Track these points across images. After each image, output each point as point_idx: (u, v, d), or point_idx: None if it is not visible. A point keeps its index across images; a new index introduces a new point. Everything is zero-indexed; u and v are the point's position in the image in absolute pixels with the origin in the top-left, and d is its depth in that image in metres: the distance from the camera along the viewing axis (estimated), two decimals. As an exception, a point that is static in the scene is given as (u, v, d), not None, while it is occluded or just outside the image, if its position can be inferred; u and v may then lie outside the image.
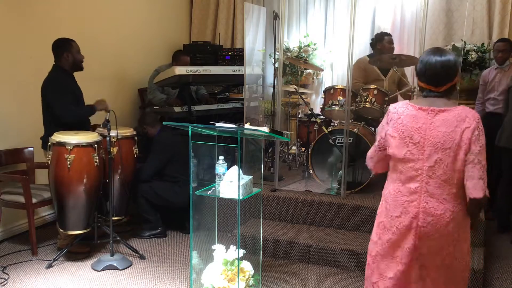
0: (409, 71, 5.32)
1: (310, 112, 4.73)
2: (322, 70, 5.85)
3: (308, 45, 5.97)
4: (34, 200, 3.69)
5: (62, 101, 3.65)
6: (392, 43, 4.85)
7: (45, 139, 3.67)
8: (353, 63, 4.89)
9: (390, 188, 2.17)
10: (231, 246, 3.11)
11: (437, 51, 2.11)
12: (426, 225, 2.05)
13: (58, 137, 3.46)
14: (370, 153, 2.25)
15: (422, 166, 2.05)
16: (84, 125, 3.86)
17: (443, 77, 2.08)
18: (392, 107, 2.16)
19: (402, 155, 2.08)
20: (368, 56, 4.98)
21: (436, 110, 2.05)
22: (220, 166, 3.02)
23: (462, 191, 2.04)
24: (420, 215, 2.06)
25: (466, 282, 2.19)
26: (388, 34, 4.90)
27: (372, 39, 4.99)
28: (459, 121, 2.01)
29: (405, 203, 2.10)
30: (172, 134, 4.26)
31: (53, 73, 3.74)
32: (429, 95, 2.11)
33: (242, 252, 3.09)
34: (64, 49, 3.72)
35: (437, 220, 2.04)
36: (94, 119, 4.00)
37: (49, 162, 3.51)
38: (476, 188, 1.97)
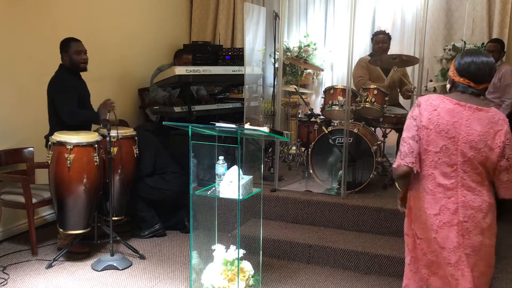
0: (409, 71, 5.32)
1: (310, 112, 4.73)
2: (322, 70, 5.85)
3: (308, 45, 5.97)
4: (34, 200, 3.69)
5: (66, 101, 3.66)
6: (385, 42, 4.86)
7: (49, 138, 3.67)
8: (355, 62, 4.92)
9: (424, 185, 2.16)
10: (231, 246, 3.11)
11: (481, 52, 2.18)
12: (467, 219, 2.08)
13: (58, 136, 3.46)
14: (406, 148, 2.13)
15: (457, 160, 2.07)
16: (87, 125, 3.86)
17: (486, 75, 2.11)
18: (424, 99, 2.14)
19: (438, 149, 2.09)
20: (369, 55, 4.99)
21: (474, 108, 2.07)
22: (220, 166, 3.02)
23: (493, 186, 2.12)
24: (460, 209, 2.08)
25: (490, 277, 2.23)
26: (383, 33, 4.91)
27: (371, 39, 5.03)
28: (493, 122, 2.04)
29: (442, 199, 2.11)
30: (146, 132, 4.38)
31: (57, 72, 3.74)
32: (467, 91, 2.12)
33: (242, 252, 3.09)
34: (63, 49, 3.74)
35: (476, 213, 2.07)
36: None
37: (49, 161, 3.51)
38: (508, 189, 2.10)
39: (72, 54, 3.72)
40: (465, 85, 2.13)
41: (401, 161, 2.15)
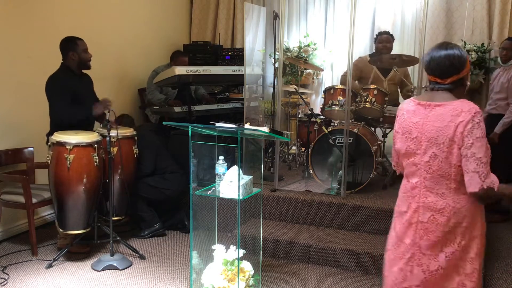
0: (409, 71, 5.32)
1: (310, 112, 4.73)
2: (322, 70, 5.85)
3: (308, 45, 5.97)
4: (34, 200, 3.69)
5: (57, 101, 3.64)
6: (388, 42, 4.83)
7: (49, 138, 3.66)
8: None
9: (401, 184, 2.22)
10: (231, 246, 3.11)
11: (443, 44, 2.10)
12: (426, 220, 2.05)
13: (58, 136, 3.46)
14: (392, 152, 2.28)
15: (420, 161, 2.06)
16: (85, 126, 3.85)
17: (447, 67, 2.04)
18: (400, 105, 2.19)
19: (404, 150, 2.11)
20: (369, 55, 4.99)
21: (433, 105, 2.04)
22: (220, 166, 3.02)
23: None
24: (420, 209, 2.07)
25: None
26: (387, 33, 4.89)
27: (374, 38, 5.01)
28: (454, 115, 1.97)
29: (409, 198, 2.13)
30: (148, 131, 4.39)
31: (56, 72, 3.73)
32: (435, 87, 2.10)
33: (242, 252, 3.10)
34: (70, 48, 3.71)
35: (437, 215, 2.04)
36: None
37: (49, 161, 3.51)
38: (471, 182, 1.94)
39: (81, 52, 3.73)
40: (432, 82, 2.12)
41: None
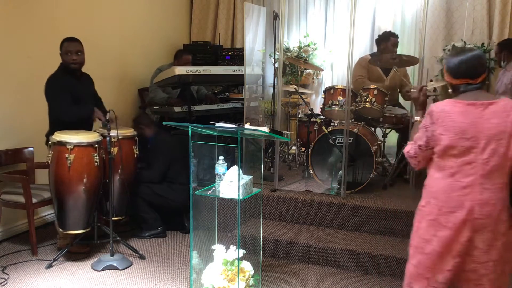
0: (409, 71, 5.32)
1: (310, 112, 4.73)
2: (322, 70, 5.85)
3: (308, 45, 5.97)
4: (34, 200, 3.69)
5: (56, 101, 3.65)
6: (396, 46, 4.83)
7: (49, 138, 3.66)
8: (355, 62, 4.91)
9: (439, 185, 2.20)
10: (231, 246, 3.11)
11: (463, 49, 2.26)
12: (483, 216, 2.10)
13: (58, 136, 3.46)
14: (412, 152, 2.27)
15: (477, 158, 2.11)
16: (87, 125, 3.86)
17: (479, 67, 2.20)
18: (435, 106, 2.19)
19: (456, 151, 2.13)
20: (370, 55, 4.98)
21: (486, 104, 2.13)
22: (220, 166, 3.02)
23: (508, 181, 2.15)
24: (476, 207, 2.10)
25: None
26: (396, 36, 4.87)
27: (379, 36, 4.97)
28: (507, 111, 2.11)
29: (459, 197, 2.13)
30: (170, 136, 4.28)
31: (54, 72, 3.74)
32: (468, 88, 2.19)
33: (242, 252, 3.09)
34: (60, 49, 3.74)
35: (492, 210, 2.10)
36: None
37: (49, 161, 3.51)
38: None
39: (62, 54, 3.72)
40: (464, 85, 2.21)
41: (410, 160, 2.32)
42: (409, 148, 2.30)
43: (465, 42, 5.14)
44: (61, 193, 3.48)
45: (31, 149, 4.07)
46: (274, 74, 4.91)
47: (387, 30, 5.07)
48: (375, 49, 5.07)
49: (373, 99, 4.32)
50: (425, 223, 2.23)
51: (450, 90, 2.29)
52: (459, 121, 2.12)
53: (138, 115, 4.12)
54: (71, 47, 3.71)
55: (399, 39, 4.93)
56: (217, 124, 3.20)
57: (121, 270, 3.53)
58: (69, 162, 3.41)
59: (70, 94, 3.70)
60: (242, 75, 4.58)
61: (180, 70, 4.54)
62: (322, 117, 4.79)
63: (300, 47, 5.97)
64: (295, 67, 5.82)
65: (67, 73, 3.75)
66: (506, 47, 4.55)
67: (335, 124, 4.84)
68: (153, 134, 4.30)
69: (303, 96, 5.06)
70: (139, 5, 5.57)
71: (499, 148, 2.09)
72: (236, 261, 3.04)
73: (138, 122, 4.41)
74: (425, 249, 2.22)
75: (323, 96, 4.59)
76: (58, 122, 3.66)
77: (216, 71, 5.00)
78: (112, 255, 3.59)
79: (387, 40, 4.83)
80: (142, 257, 3.76)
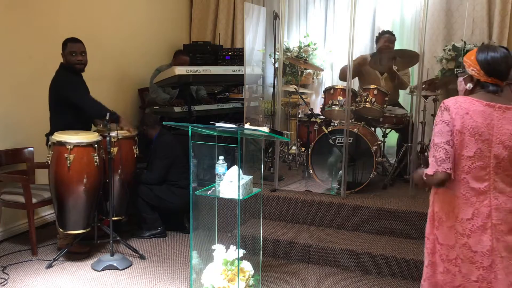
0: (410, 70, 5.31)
1: (310, 112, 4.73)
2: (322, 70, 5.85)
3: (308, 45, 5.97)
4: (34, 200, 3.69)
5: (86, 97, 3.69)
6: (391, 42, 4.81)
7: (49, 138, 3.66)
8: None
9: (454, 190, 2.08)
10: (231, 246, 3.11)
11: (490, 46, 2.10)
12: (501, 222, 2.03)
13: (58, 136, 3.47)
14: (443, 154, 2.03)
15: (489, 163, 2.02)
16: (86, 125, 3.86)
17: (506, 70, 2.07)
18: (452, 103, 2.05)
19: (472, 153, 2.03)
20: (370, 55, 4.98)
21: (504, 107, 2.02)
22: (220, 166, 3.02)
23: None
24: (493, 212, 2.03)
25: None
26: (389, 32, 4.87)
27: (376, 36, 4.99)
28: None
29: (475, 203, 2.05)
30: (172, 137, 4.28)
31: (59, 72, 3.73)
32: (491, 90, 2.06)
33: (242, 252, 3.09)
34: (62, 49, 3.74)
35: (509, 214, 2.03)
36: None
37: (49, 161, 3.51)
38: None
39: (67, 54, 3.71)
40: (493, 85, 2.07)
41: (438, 168, 2.03)
42: (433, 160, 2.05)
43: (465, 42, 5.14)
44: (61, 193, 3.48)
45: (31, 149, 4.07)
46: (274, 74, 4.91)
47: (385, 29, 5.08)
48: (375, 49, 5.07)
49: (373, 99, 4.32)
50: (446, 228, 2.13)
51: (469, 85, 2.12)
52: (478, 120, 2.01)
53: (144, 115, 4.12)
54: (76, 48, 3.72)
55: (398, 39, 4.93)
56: (217, 124, 3.20)
57: (121, 270, 3.53)
58: (69, 162, 3.41)
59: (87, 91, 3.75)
60: (242, 75, 4.58)
61: (180, 70, 4.54)
62: (322, 117, 4.79)
63: (300, 47, 5.97)
64: (295, 67, 5.82)
65: (72, 72, 3.75)
66: None
67: (335, 124, 4.84)
68: (157, 135, 4.30)
69: (303, 96, 5.06)
70: (139, 5, 5.57)
71: (510, 155, 2.01)
72: (236, 261, 3.03)
73: (142, 122, 4.41)
74: (450, 256, 2.13)
75: (323, 96, 4.59)
76: (64, 124, 3.63)
77: (216, 71, 5.01)
78: (112, 255, 3.59)
79: (380, 38, 4.85)
80: (142, 257, 3.76)
